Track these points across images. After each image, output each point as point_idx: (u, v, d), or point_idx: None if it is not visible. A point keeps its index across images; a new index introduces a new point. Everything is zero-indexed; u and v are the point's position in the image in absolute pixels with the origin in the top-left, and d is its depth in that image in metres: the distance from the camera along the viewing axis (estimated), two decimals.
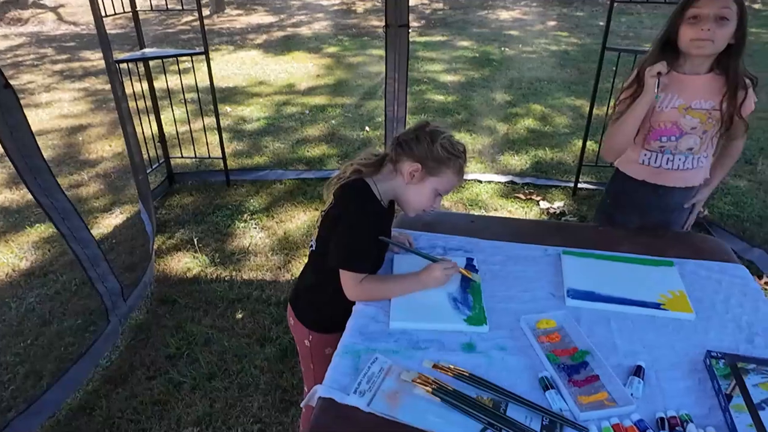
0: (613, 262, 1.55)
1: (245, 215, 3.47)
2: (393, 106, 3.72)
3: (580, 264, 1.54)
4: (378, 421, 1.05)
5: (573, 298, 1.39)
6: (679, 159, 1.70)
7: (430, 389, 1.10)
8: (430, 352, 1.22)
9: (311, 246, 1.50)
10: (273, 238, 3.23)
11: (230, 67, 7.24)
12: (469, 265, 1.53)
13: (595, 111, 3.55)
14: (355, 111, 5.47)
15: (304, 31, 9.82)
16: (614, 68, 3.52)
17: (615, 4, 3.23)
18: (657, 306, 1.36)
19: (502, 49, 8.15)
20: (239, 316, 2.60)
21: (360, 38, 9.05)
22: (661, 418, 1.04)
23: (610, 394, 1.10)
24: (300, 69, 7.14)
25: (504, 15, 11.24)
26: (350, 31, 9.69)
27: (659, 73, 1.55)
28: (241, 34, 9.57)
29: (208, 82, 3.57)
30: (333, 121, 5.16)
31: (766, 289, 2.73)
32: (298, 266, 2.97)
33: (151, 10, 3.59)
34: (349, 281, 1.36)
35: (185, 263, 3.01)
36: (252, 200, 3.67)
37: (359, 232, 1.34)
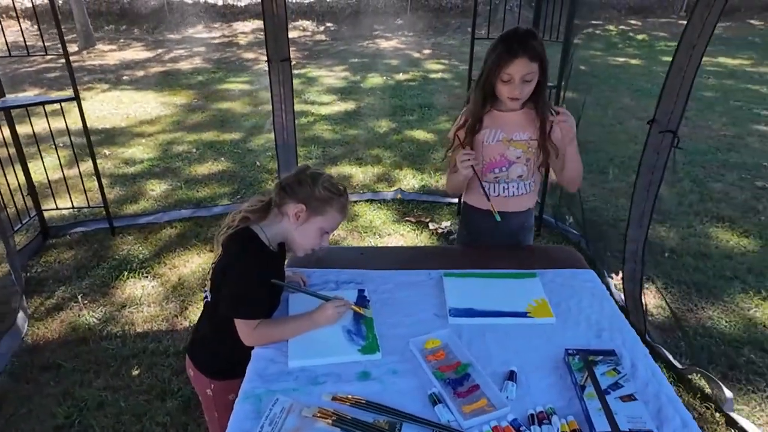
0: (487, 279, 1.74)
1: (134, 264, 3.32)
2: (282, 137, 3.80)
3: (460, 284, 1.70)
4: None
5: (454, 317, 1.55)
6: (513, 186, 1.93)
7: (330, 421, 1.18)
8: (329, 386, 1.30)
9: (205, 297, 1.52)
10: (167, 286, 3.12)
11: (106, 106, 6.86)
12: (361, 296, 1.63)
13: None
14: (244, 146, 5.44)
15: (185, 65, 9.57)
16: None
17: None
18: (524, 315, 1.55)
19: (384, 77, 8.54)
20: (135, 372, 2.48)
21: (244, 71, 9.00)
22: (532, 415, 1.21)
23: (489, 400, 1.24)
24: (183, 106, 6.96)
25: (384, 44, 11.79)
26: (233, 64, 9.61)
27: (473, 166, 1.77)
28: (115, 71, 9.11)
29: (82, 126, 3.39)
30: (222, 158, 5.09)
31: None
32: (195, 312, 2.90)
33: (9, 55, 3.36)
34: (244, 328, 1.40)
35: (69, 323, 2.82)
36: (141, 248, 3.52)
37: (248, 280, 1.39)
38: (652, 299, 3.00)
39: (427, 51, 10.97)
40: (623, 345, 1.43)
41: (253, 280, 1.41)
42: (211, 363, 1.54)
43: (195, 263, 3.36)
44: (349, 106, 6.94)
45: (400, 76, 8.62)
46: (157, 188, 4.45)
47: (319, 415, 1.19)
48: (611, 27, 12.98)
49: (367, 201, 4.15)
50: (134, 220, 3.87)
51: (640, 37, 12.09)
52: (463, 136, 1.85)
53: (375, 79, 8.42)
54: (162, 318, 2.86)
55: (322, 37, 12.68)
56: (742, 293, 3.04)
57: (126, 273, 3.23)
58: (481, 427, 1.18)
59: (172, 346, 2.63)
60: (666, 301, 2.94)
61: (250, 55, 10.41)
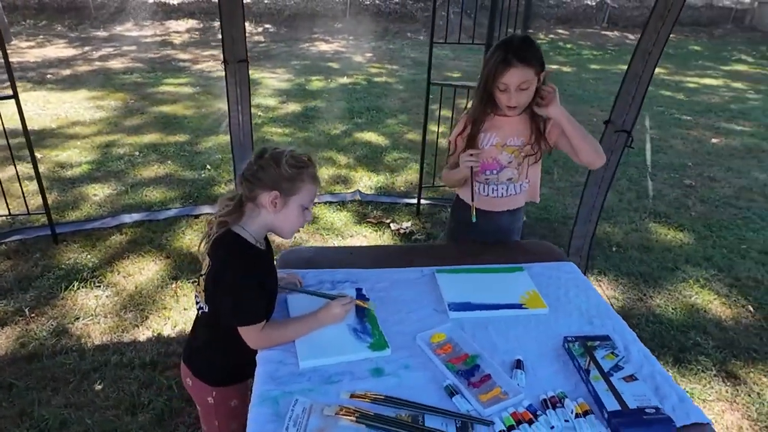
0: (478, 274, 1.79)
1: (84, 273, 3.11)
2: (239, 137, 3.73)
3: (453, 279, 1.74)
4: None
5: (454, 311, 1.58)
6: (503, 188, 2.00)
7: (354, 418, 1.18)
8: (344, 384, 1.30)
9: (200, 308, 1.46)
10: (123, 295, 2.96)
11: (32, 107, 6.36)
12: (360, 295, 1.63)
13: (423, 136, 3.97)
14: (191, 148, 5.24)
15: (116, 65, 9.06)
16: (432, 96, 3.93)
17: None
18: (519, 306, 1.62)
19: (329, 80, 8.51)
20: (99, 387, 2.33)
21: (182, 72, 8.66)
22: (544, 400, 1.26)
23: (502, 388, 1.29)
24: (119, 107, 6.59)
25: (324, 47, 11.72)
26: (169, 65, 9.22)
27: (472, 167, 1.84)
28: (37, 69, 8.48)
29: (12, 126, 3.14)
30: (169, 162, 4.88)
31: None
32: (158, 321, 2.76)
33: None
34: (250, 334, 1.37)
35: (16, 339, 2.60)
36: (89, 256, 3.30)
37: (243, 284, 1.35)
38: (602, 291, 3.20)
39: (368, 54, 11.03)
40: (614, 330, 1.53)
41: (246, 284, 1.37)
42: (213, 370, 1.48)
43: (151, 270, 3.20)
44: (296, 108, 6.85)
45: (345, 80, 8.61)
46: (99, 192, 4.20)
47: (342, 413, 1.19)
48: (542, 35, 13.63)
49: (326, 203, 4.12)
50: (79, 227, 3.63)
51: (568, 46, 12.78)
52: (463, 143, 1.90)
53: (319, 82, 8.37)
54: (122, 329, 2.70)
55: (261, 38, 12.42)
56: (683, 282, 3.30)
57: (76, 283, 3.03)
58: (500, 414, 1.22)
59: (137, 358, 2.49)
60: (605, 295, 3.14)
61: (186, 56, 10.02)
